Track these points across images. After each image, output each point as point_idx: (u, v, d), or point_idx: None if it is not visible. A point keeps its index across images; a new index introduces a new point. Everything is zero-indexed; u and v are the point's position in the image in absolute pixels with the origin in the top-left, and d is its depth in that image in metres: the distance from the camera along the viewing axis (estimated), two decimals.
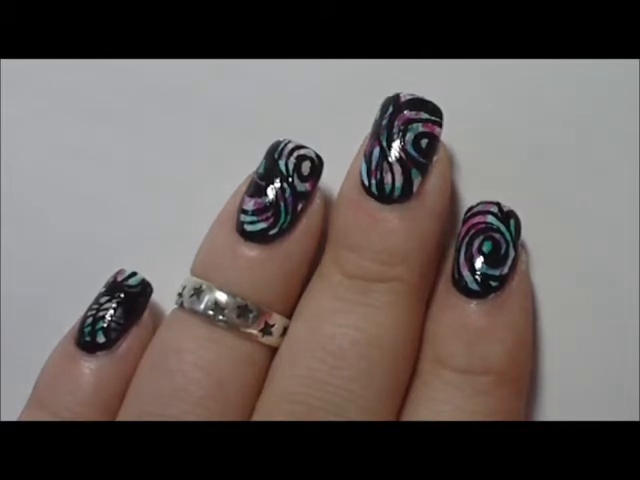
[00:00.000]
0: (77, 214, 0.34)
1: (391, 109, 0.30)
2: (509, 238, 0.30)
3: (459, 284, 0.30)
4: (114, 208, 0.34)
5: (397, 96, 0.30)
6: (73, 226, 0.34)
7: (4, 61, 0.34)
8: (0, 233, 0.34)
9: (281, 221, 0.30)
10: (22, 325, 0.34)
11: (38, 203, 0.34)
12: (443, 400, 0.30)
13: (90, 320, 0.32)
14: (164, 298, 0.33)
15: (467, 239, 0.30)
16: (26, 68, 0.34)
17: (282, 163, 0.31)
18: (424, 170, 0.30)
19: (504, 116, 0.32)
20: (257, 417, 0.30)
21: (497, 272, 0.30)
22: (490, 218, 0.30)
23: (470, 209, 0.31)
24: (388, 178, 0.30)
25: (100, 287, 0.32)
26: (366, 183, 0.30)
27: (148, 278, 0.32)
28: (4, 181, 0.34)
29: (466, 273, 0.30)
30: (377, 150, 0.30)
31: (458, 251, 0.30)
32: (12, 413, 0.32)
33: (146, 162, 0.34)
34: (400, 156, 0.30)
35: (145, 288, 0.32)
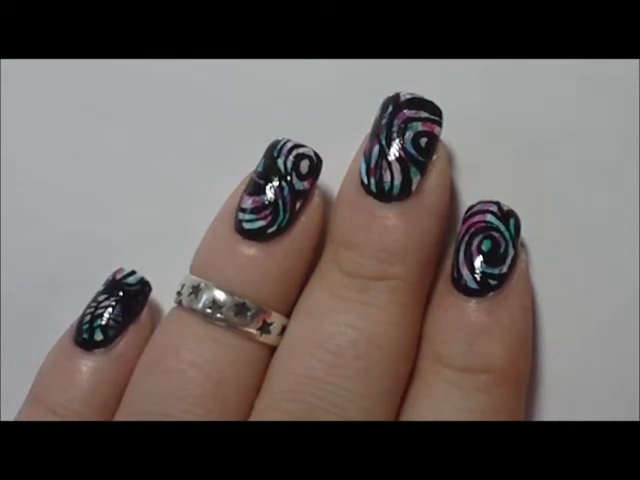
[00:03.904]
0: (76, 213, 0.34)
1: (391, 108, 0.30)
2: (508, 237, 0.30)
3: (458, 283, 0.30)
4: (113, 207, 0.34)
5: (397, 95, 0.30)
6: (73, 225, 0.34)
7: (4, 61, 0.34)
8: (0, 233, 0.34)
9: (279, 219, 0.30)
10: (22, 324, 0.34)
11: (38, 203, 0.34)
12: (442, 399, 0.30)
13: (88, 318, 0.32)
14: (164, 297, 0.33)
15: (467, 238, 0.30)
16: (26, 68, 0.34)
17: (281, 162, 0.31)
18: (423, 169, 0.30)
19: (504, 116, 0.32)
20: (256, 416, 0.30)
21: (496, 271, 0.30)
22: (489, 217, 0.30)
23: (470, 208, 0.31)
24: (387, 176, 0.30)
25: (100, 286, 0.32)
26: (365, 181, 0.30)
27: (148, 277, 0.32)
28: (4, 181, 0.34)
29: (465, 272, 0.30)
30: (376, 149, 0.30)
31: (457, 250, 0.30)
32: (12, 412, 0.32)
33: (146, 161, 0.34)
34: (399, 155, 0.30)
35: (144, 287, 0.32)
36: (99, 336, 0.31)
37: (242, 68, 0.33)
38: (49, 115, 0.34)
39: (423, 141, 0.30)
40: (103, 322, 0.32)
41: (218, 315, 0.30)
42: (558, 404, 0.32)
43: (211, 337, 0.30)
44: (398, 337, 0.30)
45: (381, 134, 0.30)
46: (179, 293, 0.31)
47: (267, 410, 0.30)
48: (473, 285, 0.30)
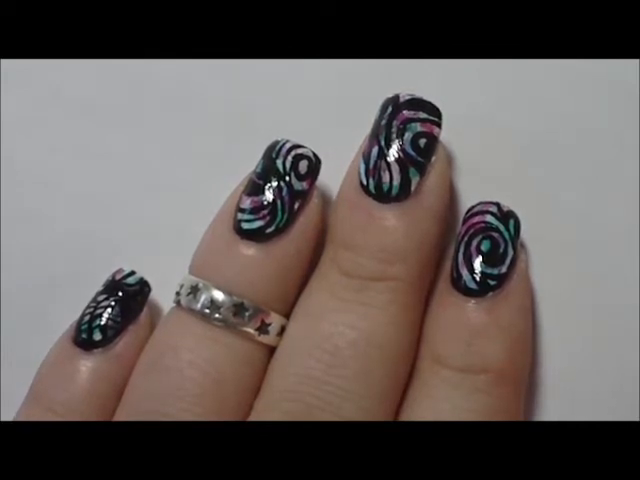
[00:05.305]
0: (76, 213, 0.34)
1: (390, 109, 0.30)
2: (508, 237, 0.30)
3: (458, 283, 0.30)
4: (113, 207, 0.34)
5: (396, 96, 0.30)
6: (73, 225, 0.34)
7: (4, 61, 0.34)
8: (0, 233, 0.34)
9: (278, 219, 0.30)
10: (22, 324, 0.34)
11: (38, 203, 0.34)
12: (441, 399, 0.30)
13: (87, 318, 0.32)
14: (164, 297, 0.33)
15: (466, 238, 0.30)
16: (26, 68, 0.34)
17: (279, 162, 0.31)
18: (422, 169, 0.30)
19: (504, 116, 0.32)
20: (255, 415, 0.30)
21: (496, 271, 0.30)
22: (489, 218, 0.30)
23: (470, 209, 0.31)
24: (386, 177, 0.30)
25: (99, 286, 0.32)
26: (364, 182, 0.30)
27: (148, 277, 0.33)
28: (4, 181, 0.34)
29: (465, 272, 0.30)
30: (375, 149, 0.30)
31: (457, 250, 0.30)
32: (12, 412, 0.32)
33: (146, 162, 0.34)
34: (398, 155, 0.30)
35: (143, 287, 0.32)
36: (98, 336, 0.31)
37: (242, 68, 0.33)
38: (49, 115, 0.34)
39: (422, 142, 0.30)
40: (102, 322, 0.32)
41: (216, 315, 0.30)
42: (558, 404, 0.32)
43: (210, 337, 0.30)
44: (398, 337, 0.30)
45: (380, 135, 0.30)
46: (178, 293, 0.31)
47: (267, 410, 0.30)
48: (472, 285, 0.30)
